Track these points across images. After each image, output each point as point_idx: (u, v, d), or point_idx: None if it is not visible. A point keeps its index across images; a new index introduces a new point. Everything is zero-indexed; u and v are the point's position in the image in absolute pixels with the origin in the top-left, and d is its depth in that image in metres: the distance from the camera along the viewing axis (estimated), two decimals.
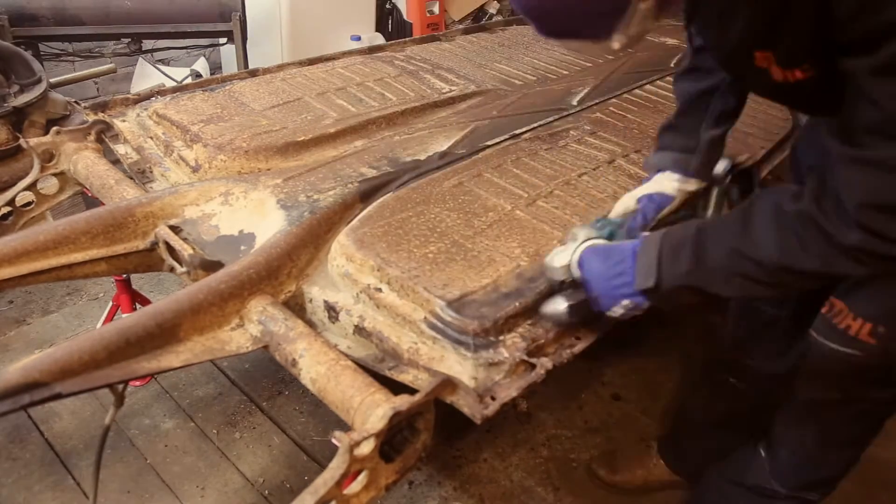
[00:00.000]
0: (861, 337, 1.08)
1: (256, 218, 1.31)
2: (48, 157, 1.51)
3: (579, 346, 1.07)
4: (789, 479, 1.32)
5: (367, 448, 0.85)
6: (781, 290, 1.06)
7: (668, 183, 1.21)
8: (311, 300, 1.19)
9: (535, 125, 1.75)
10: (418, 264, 1.15)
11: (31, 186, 1.49)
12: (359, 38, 3.50)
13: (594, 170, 1.52)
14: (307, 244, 1.23)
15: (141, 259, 1.29)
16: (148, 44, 3.15)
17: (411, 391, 0.91)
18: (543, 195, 1.40)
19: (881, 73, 0.73)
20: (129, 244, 1.27)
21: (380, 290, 1.12)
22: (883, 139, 0.76)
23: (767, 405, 1.39)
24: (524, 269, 1.16)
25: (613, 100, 1.97)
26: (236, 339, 1.08)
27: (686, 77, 1.22)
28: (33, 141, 1.49)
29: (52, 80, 1.93)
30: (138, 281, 2.23)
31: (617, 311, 1.02)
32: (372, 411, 0.89)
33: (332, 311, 1.15)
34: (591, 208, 1.36)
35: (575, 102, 1.95)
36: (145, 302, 1.87)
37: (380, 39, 3.63)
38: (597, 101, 1.95)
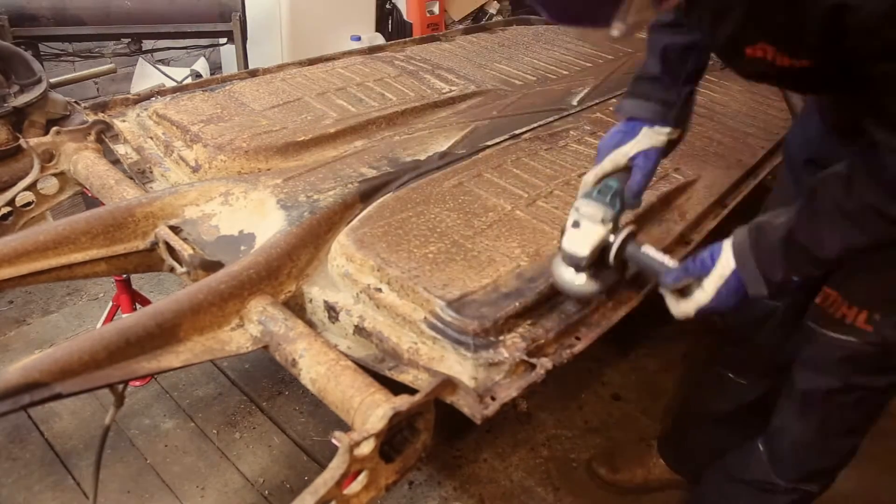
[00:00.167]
0: (857, 324, 1.12)
1: (256, 218, 1.31)
2: (48, 157, 1.51)
3: (579, 346, 1.07)
4: (789, 470, 1.32)
5: (367, 448, 0.85)
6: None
7: (657, 136, 1.19)
8: (311, 300, 1.19)
9: (535, 125, 1.75)
10: (418, 264, 1.15)
11: (31, 186, 1.49)
12: (359, 39, 3.49)
13: None
14: (307, 244, 1.23)
15: (141, 259, 1.29)
16: (148, 44, 3.14)
17: (411, 391, 0.92)
18: (543, 195, 1.40)
19: None
20: (129, 244, 1.27)
21: (380, 290, 1.12)
22: None
23: (766, 400, 1.40)
24: (524, 269, 1.16)
25: (613, 100, 1.97)
26: (236, 339, 1.08)
27: (664, 30, 1.20)
28: (33, 141, 1.49)
29: (52, 81, 1.93)
30: (138, 281, 2.22)
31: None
32: (372, 411, 0.89)
33: (332, 311, 1.15)
34: None
35: (575, 102, 1.95)
36: (145, 302, 1.87)
37: (380, 39, 3.63)
38: (597, 101, 1.96)
